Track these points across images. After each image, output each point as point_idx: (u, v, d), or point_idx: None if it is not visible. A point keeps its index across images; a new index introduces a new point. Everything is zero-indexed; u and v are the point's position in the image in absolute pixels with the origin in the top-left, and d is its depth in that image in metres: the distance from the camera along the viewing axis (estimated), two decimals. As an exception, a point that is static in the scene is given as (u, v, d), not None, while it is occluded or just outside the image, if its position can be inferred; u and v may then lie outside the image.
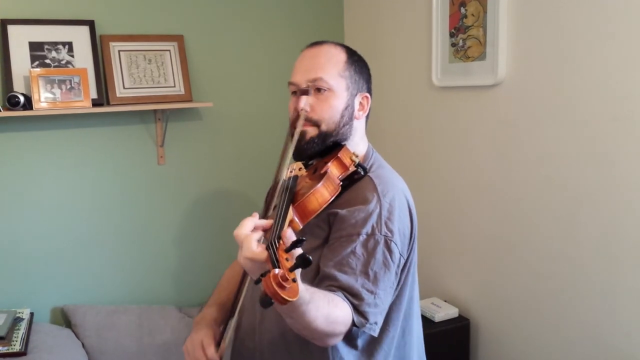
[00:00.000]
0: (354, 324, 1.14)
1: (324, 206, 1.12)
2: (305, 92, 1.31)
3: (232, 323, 1.34)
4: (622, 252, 1.80)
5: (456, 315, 2.36)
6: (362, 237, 1.19)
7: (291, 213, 1.06)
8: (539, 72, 2.01)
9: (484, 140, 2.25)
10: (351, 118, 1.34)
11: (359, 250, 1.18)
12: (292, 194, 1.14)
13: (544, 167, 2.02)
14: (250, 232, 1.00)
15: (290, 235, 0.98)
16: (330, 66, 1.31)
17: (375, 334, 1.21)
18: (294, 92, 1.35)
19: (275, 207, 1.21)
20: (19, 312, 2.29)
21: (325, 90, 1.29)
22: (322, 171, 1.21)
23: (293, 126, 1.32)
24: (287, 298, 0.83)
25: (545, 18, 1.97)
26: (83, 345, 2.32)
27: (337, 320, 1.10)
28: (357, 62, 1.36)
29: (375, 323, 1.19)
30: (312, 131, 1.31)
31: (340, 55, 1.33)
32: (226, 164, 2.80)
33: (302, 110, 1.29)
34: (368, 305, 1.16)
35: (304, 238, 0.92)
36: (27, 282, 2.43)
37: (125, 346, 2.33)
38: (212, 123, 2.74)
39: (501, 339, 2.27)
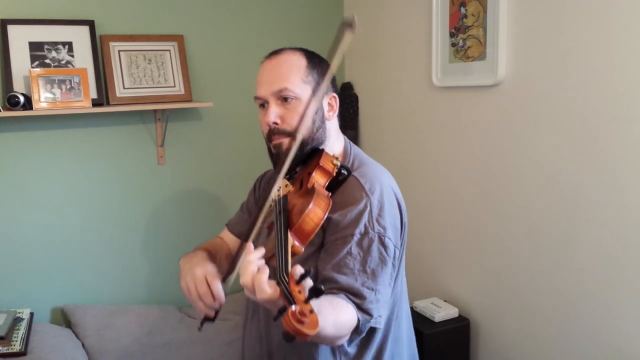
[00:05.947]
0: (359, 321, 1.16)
1: (321, 224, 1.12)
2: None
3: (240, 261, 1.23)
4: (622, 252, 1.80)
5: (456, 315, 2.36)
6: (356, 237, 1.21)
7: (291, 239, 1.06)
8: (539, 72, 2.01)
9: (484, 140, 2.25)
10: (323, 121, 1.34)
11: (355, 250, 1.20)
12: (287, 217, 1.13)
13: (543, 166, 2.02)
14: (254, 273, 0.97)
15: (296, 266, 0.97)
16: (293, 74, 1.30)
17: (381, 326, 1.24)
18: (262, 105, 1.34)
19: (271, 226, 1.21)
20: (19, 312, 2.29)
21: (292, 99, 1.29)
22: (310, 185, 1.21)
23: (269, 140, 1.33)
24: (308, 332, 0.85)
25: (545, 18, 1.97)
26: (83, 345, 2.32)
27: (344, 324, 1.12)
28: (318, 64, 1.34)
29: (380, 316, 1.21)
30: (287, 142, 1.29)
31: (300, 61, 1.32)
32: (226, 164, 2.80)
33: (273, 123, 1.29)
34: (370, 302, 1.18)
35: (311, 269, 0.93)
36: (27, 282, 2.43)
37: (125, 346, 2.33)
38: (212, 123, 2.74)
39: (501, 339, 2.27)
